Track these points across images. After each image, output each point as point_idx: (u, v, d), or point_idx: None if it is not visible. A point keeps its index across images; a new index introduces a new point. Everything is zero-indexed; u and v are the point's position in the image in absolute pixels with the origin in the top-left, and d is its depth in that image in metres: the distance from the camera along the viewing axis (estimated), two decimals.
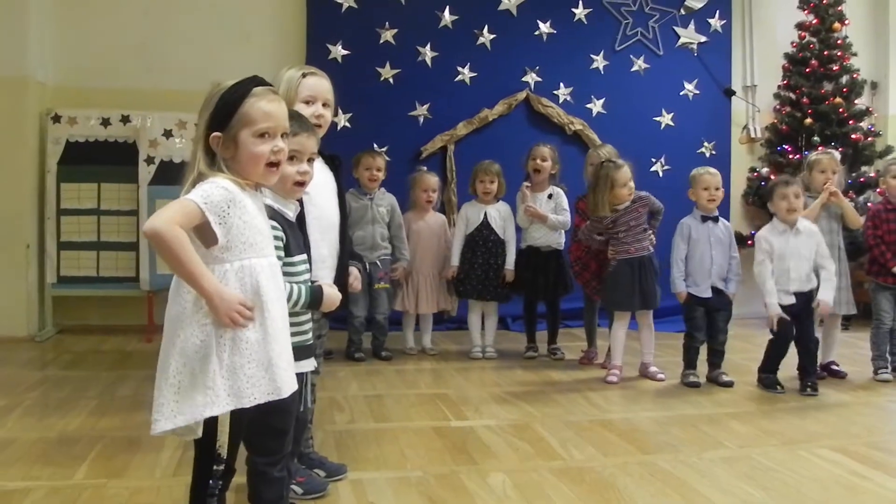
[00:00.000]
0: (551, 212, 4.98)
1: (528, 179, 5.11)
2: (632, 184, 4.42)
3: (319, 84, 2.66)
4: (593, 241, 4.60)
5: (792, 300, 4.12)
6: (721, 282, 4.37)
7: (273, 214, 2.13)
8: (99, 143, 5.68)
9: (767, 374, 4.25)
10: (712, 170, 4.46)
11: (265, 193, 2.14)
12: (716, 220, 4.41)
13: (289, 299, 2.11)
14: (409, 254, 5.12)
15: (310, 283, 2.24)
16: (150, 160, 5.62)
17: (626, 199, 4.40)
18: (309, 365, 2.36)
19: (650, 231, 4.49)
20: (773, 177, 6.52)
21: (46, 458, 2.97)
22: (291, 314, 2.12)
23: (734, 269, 4.40)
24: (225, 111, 1.90)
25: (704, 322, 4.37)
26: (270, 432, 2.05)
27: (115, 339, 5.50)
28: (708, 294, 4.33)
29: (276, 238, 2.09)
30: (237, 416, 1.90)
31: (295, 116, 2.31)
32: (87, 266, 5.66)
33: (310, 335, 2.34)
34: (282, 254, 2.13)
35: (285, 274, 2.13)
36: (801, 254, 4.14)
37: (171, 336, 1.86)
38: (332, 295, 2.31)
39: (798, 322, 4.15)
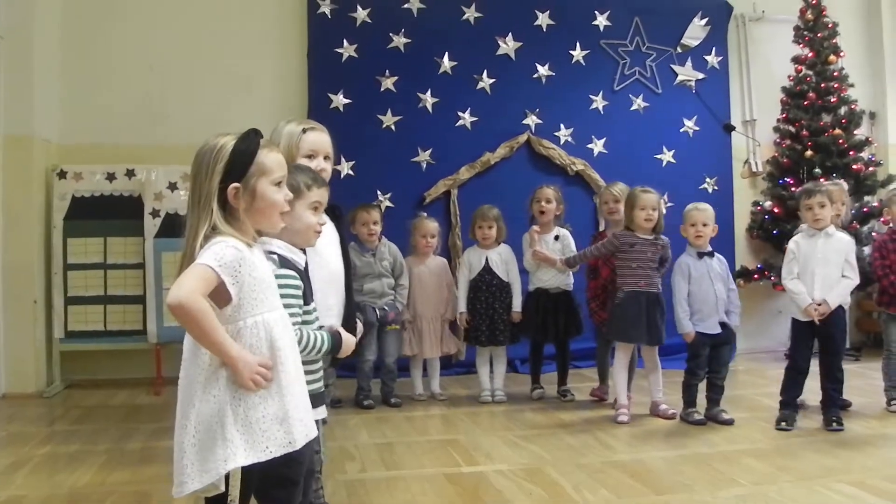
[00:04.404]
0: (559, 253, 4.97)
1: (533, 222, 5.12)
2: (653, 213, 4.39)
3: (320, 139, 2.71)
4: (599, 254, 4.62)
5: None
6: (724, 315, 4.35)
7: (286, 263, 2.16)
8: (104, 198, 5.71)
9: (782, 410, 4.20)
10: (702, 205, 4.45)
11: (274, 244, 2.16)
12: (711, 254, 4.40)
13: (312, 346, 2.16)
14: (412, 298, 5.14)
15: (326, 329, 2.28)
16: (155, 213, 5.66)
17: (642, 225, 4.40)
18: (321, 413, 2.36)
19: (660, 273, 4.52)
20: (776, 210, 6.55)
21: None
22: (305, 362, 2.13)
23: (734, 302, 4.38)
24: (241, 162, 1.92)
25: (707, 361, 4.34)
26: (281, 483, 2.03)
27: (124, 393, 5.48)
28: (717, 329, 4.30)
29: (295, 287, 2.13)
30: (248, 468, 1.89)
31: (304, 170, 2.35)
32: (94, 320, 5.66)
33: (321, 382, 2.35)
34: (301, 301, 2.16)
35: (303, 322, 2.16)
36: (829, 259, 4.11)
37: (189, 397, 1.86)
38: (349, 340, 2.38)
39: (823, 353, 4.16)
